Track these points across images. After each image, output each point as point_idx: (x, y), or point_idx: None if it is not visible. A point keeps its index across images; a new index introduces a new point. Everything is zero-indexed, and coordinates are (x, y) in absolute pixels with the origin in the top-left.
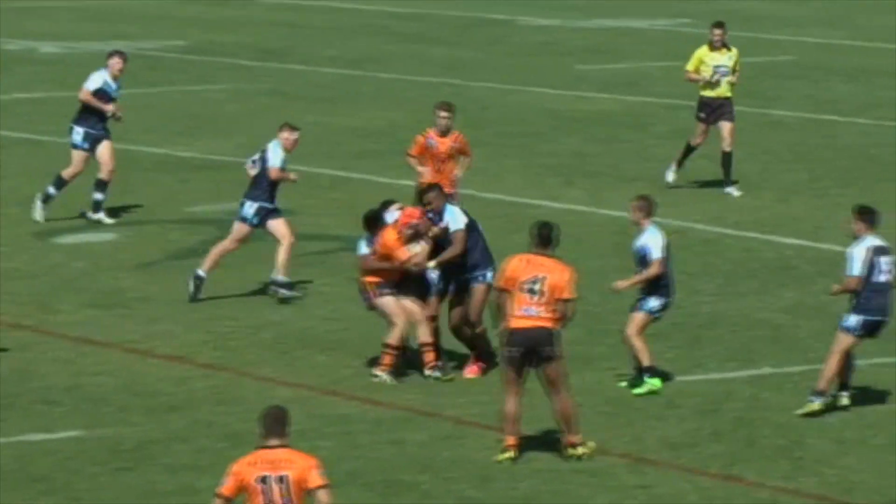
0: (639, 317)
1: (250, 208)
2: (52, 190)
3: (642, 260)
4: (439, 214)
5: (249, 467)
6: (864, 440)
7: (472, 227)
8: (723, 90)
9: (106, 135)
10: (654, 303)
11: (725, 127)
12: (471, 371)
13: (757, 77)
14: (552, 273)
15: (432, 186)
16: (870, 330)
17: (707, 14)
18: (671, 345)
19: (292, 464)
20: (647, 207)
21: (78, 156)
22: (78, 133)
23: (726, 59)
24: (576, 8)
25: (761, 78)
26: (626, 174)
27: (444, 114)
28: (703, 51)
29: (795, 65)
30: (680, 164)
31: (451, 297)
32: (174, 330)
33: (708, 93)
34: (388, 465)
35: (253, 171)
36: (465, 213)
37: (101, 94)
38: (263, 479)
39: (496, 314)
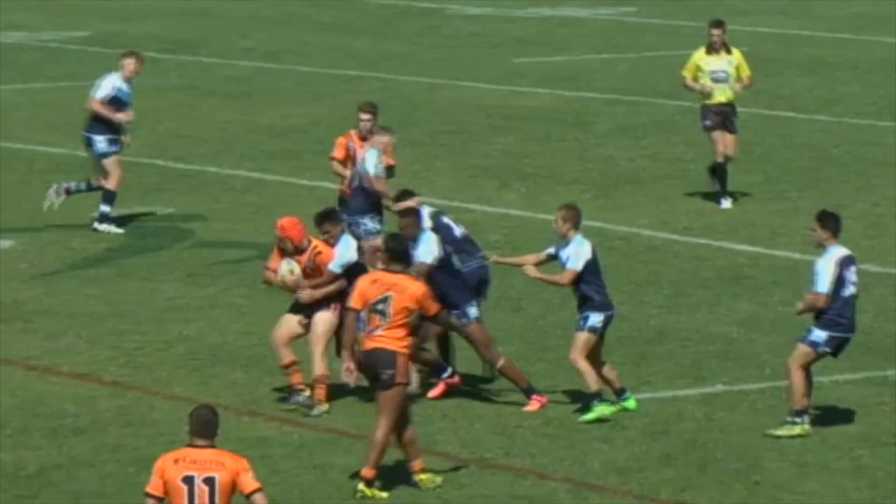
0: (581, 337)
1: (373, 222)
2: (105, 208)
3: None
4: (413, 242)
5: (174, 465)
6: (825, 464)
7: (444, 262)
8: (722, 96)
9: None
10: (595, 319)
11: (725, 137)
12: (532, 407)
13: None
14: (399, 293)
15: (408, 211)
16: (836, 347)
17: (653, 2)
18: (616, 361)
19: (222, 466)
20: (576, 217)
21: (112, 162)
22: (101, 141)
23: (725, 63)
24: None
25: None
26: (566, 176)
27: (365, 116)
28: (699, 54)
29: (749, 57)
30: (724, 188)
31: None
32: (78, 345)
33: (707, 101)
34: (312, 493)
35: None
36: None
37: (113, 101)
38: (187, 480)
39: (347, 336)
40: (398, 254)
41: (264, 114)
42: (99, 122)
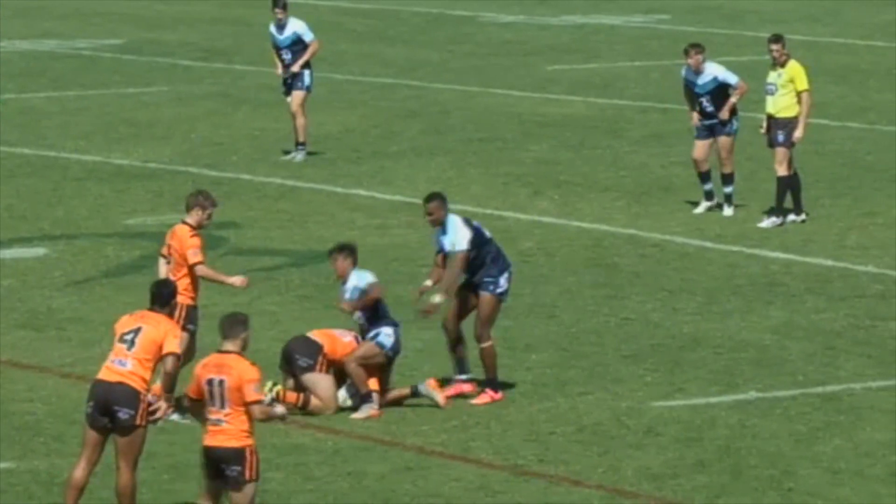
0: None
1: None
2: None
3: None
4: (442, 226)
5: (203, 369)
6: (859, 470)
7: (479, 238)
8: (769, 108)
9: None
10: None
11: (775, 151)
12: (481, 400)
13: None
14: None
15: (433, 196)
16: None
17: (686, 10)
18: (649, 368)
19: (231, 370)
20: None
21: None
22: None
23: (775, 76)
24: (544, 3)
25: (743, 78)
26: (599, 183)
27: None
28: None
29: None
30: (796, 205)
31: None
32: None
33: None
34: (346, 500)
35: None
36: (469, 223)
37: None
38: (210, 381)
39: None
40: (155, 296)
41: None
42: None
